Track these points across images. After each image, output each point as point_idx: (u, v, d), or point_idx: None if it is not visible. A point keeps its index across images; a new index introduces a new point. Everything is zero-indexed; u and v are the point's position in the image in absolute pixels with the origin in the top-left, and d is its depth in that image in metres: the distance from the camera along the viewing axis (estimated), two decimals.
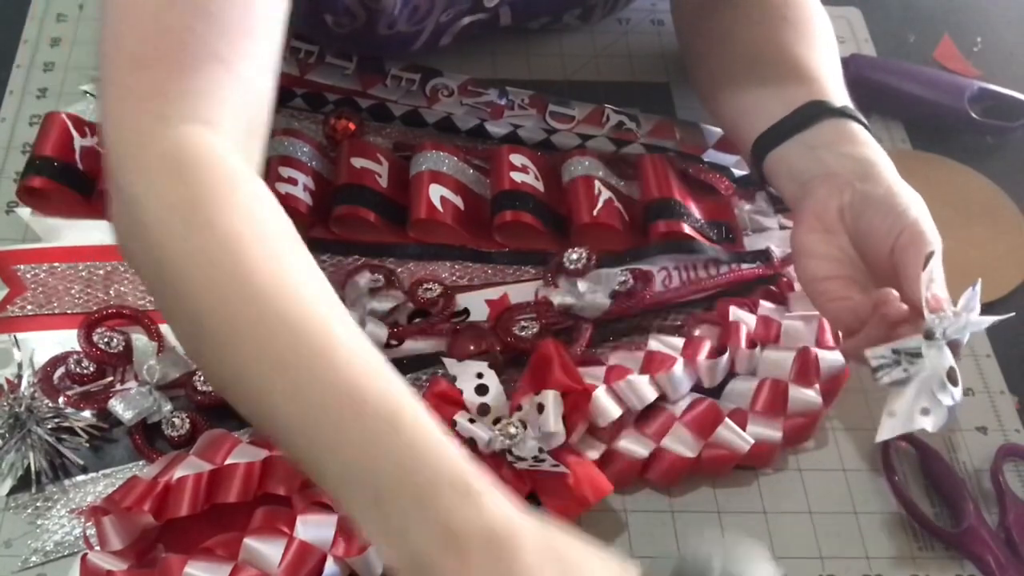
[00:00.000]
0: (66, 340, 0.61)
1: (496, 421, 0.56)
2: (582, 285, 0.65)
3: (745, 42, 0.67)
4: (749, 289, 0.68)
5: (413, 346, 0.64)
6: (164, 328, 0.62)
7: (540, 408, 0.55)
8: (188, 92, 0.45)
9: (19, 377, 0.59)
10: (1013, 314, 0.57)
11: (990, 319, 0.53)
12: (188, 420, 0.58)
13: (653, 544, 0.58)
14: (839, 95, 0.62)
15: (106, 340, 0.60)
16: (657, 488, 0.60)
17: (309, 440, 0.39)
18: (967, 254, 0.72)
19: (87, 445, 0.58)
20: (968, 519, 0.58)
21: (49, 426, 0.57)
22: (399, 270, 0.66)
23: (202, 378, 0.60)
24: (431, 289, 0.65)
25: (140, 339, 0.61)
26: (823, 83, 0.63)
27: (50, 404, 0.58)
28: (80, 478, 0.58)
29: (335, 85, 0.76)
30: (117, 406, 0.58)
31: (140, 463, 0.58)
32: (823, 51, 0.66)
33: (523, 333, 0.63)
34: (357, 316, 0.61)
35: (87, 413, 0.59)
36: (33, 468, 0.57)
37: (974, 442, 0.63)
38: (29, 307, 0.63)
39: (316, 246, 0.64)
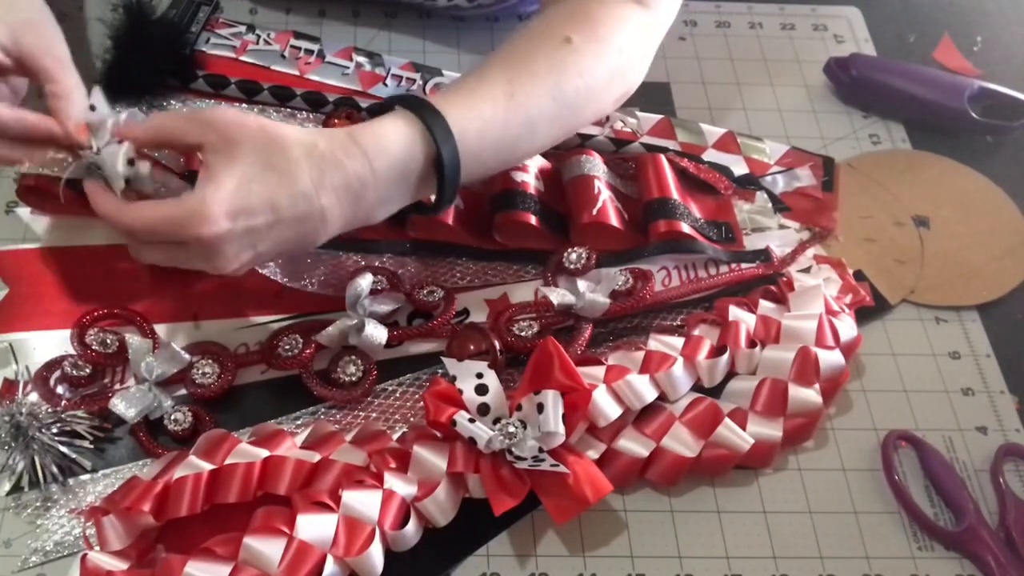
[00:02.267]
0: (67, 339, 0.61)
1: (496, 421, 0.56)
2: (582, 285, 0.65)
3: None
4: (749, 289, 0.68)
5: (414, 345, 0.64)
6: (160, 326, 0.62)
7: (540, 408, 0.55)
8: None
9: (19, 381, 0.59)
10: None
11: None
12: (190, 413, 0.58)
13: (653, 544, 0.58)
14: (436, 106, 0.57)
15: (100, 341, 0.61)
16: (657, 488, 0.60)
17: None
18: (967, 254, 0.72)
19: (91, 447, 0.58)
20: (968, 519, 0.58)
21: (53, 431, 0.57)
22: (400, 272, 0.66)
23: (200, 371, 0.60)
24: (433, 292, 0.65)
25: (133, 338, 0.61)
26: (447, 91, 0.60)
27: (50, 409, 0.58)
28: (80, 478, 0.58)
29: (335, 85, 0.76)
30: (119, 405, 0.58)
31: (141, 463, 0.58)
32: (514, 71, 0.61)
33: (523, 333, 0.63)
34: (358, 318, 0.61)
35: (87, 414, 0.59)
36: (40, 473, 0.57)
37: (974, 442, 0.63)
38: (28, 306, 0.63)
39: None
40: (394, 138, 0.56)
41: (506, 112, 0.59)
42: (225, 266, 0.54)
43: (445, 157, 0.56)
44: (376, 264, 0.66)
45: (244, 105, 0.75)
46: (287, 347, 0.61)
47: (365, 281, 0.62)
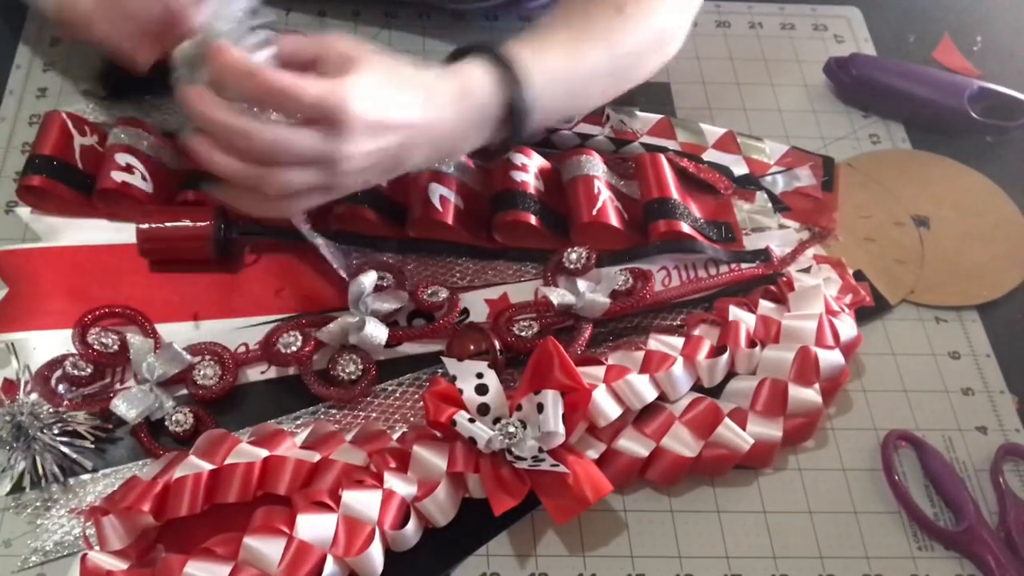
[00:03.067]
0: (67, 339, 0.61)
1: (496, 421, 0.56)
2: (582, 285, 0.65)
3: None
4: (749, 289, 0.68)
5: (413, 346, 0.64)
6: (159, 326, 0.62)
7: (540, 408, 0.55)
8: None
9: (19, 381, 0.59)
10: None
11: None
12: (191, 414, 0.59)
13: (653, 544, 0.58)
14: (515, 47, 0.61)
15: (101, 341, 0.61)
16: (657, 488, 0.60)
17: None
18: (967, 254, 0.72)
19: (92, 447, 0.58)
20: (968, 519, 0.58)
21: (54, 431, 0.57)
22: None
23: (201, 372, 0.60)
24: (437, 293, 0.65)
25: (135, 338, 0.61)
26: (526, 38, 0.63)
27: (51, 409, 0.58)
28: (80, 478, 0.58)
29: None
30: (120, 405, 0.58)
31: (141, 463, 0.58)
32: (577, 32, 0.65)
33: (523, 333, 0.63)
34: (359, 315, 0.61)
35: (88, 414, 0.59)
36: (41, 473, 0.57)
37: (974, 442, 0.63)
38: (28, 306, 0.63)
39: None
40: (483, 85, 0.59)
41: (569, 72, 0.64)
42: (349, 184, 0.56)
43: (523, 109, 0.60)
44: (382, 259, 0.67)
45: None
46: (286, 343, 0.61)
47: (368, 279, 0.62)
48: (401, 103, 0.55)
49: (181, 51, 0.56)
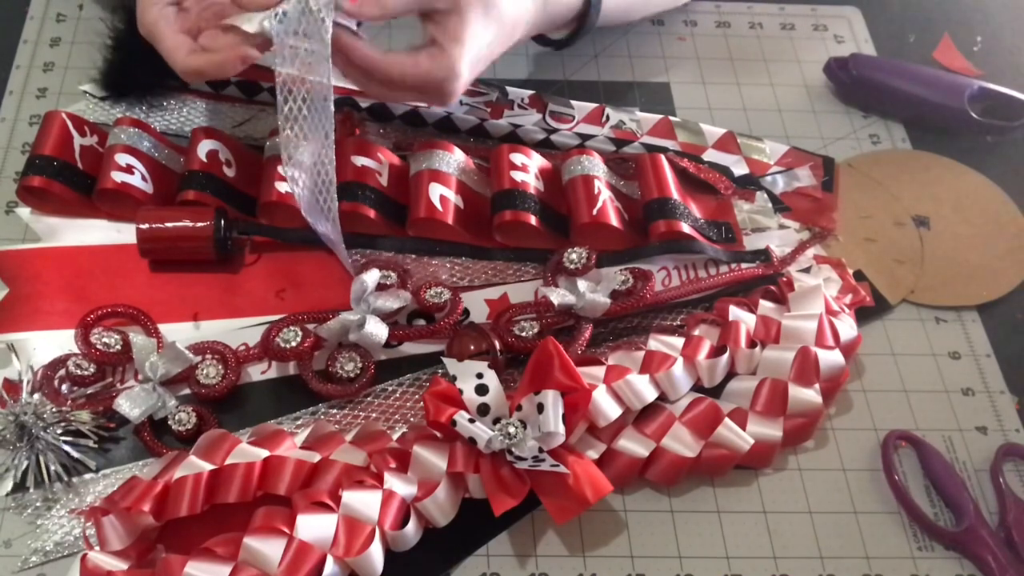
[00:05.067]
0: (67, 339, 0.61)
1: (496, 421, 0.56)
2: (582, 285, 0.65)
3: None
4: (749, 289, 0.68)
5: (413, 346, 0.64)
6: (162, 326, 0.62)
7: (540, 408, 0.55)
8: None
9: (21, 381, 0.59)
10: None
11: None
12: (194, 414, 0.59)
13: (653, 544, 0.58)
14: None
15: (104, 340, 0.61)
16: (657, 488, 0.60)
17: None
18: (967, 254, 0.72)
19: (95, 446, 0.58)
20: (968, 519, 0.58)
21: (57, 431, 0.57)
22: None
23: (203, 371, 0.60)
24: (440, 293, 0.64)
25: (137, 337, 0.61)
26: None
27: (55, 408, 0.58)
28: (82, 477, 0.58)
29: (335, 85, 0.75)
30: (123, 404, 0.58)
31: (143, 462, 0.58)
32: None
33: (523, 333, 0.63)
34: (360, 313, 0.61)
35: (91, 414, 0.59)
36: (44, 472, 0.57)
37: (974, 442, 0.63)
38: (28, 306, 0.63)
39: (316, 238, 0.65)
40: None
41: None
42: (450, 104, 0.66)
43: (591, 16, 0.72)
44: (384, 259, 0.66)
45: (244, 105, 0.75)
46: (286, 339, 0.61)
47: (371, 277, 0.62)
48: (495, 43, 0.63)
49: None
